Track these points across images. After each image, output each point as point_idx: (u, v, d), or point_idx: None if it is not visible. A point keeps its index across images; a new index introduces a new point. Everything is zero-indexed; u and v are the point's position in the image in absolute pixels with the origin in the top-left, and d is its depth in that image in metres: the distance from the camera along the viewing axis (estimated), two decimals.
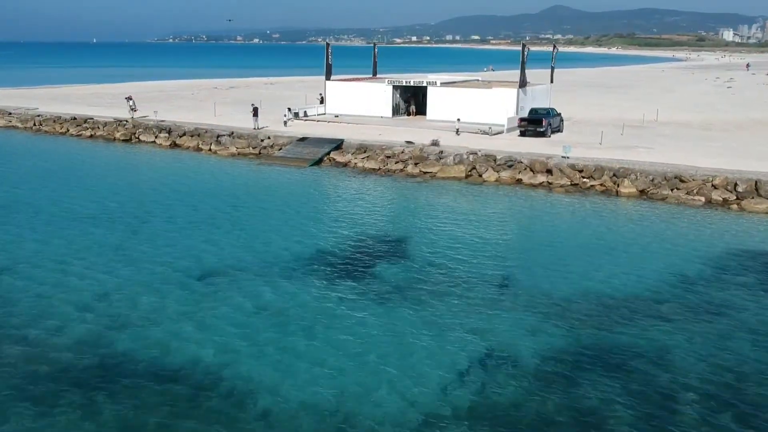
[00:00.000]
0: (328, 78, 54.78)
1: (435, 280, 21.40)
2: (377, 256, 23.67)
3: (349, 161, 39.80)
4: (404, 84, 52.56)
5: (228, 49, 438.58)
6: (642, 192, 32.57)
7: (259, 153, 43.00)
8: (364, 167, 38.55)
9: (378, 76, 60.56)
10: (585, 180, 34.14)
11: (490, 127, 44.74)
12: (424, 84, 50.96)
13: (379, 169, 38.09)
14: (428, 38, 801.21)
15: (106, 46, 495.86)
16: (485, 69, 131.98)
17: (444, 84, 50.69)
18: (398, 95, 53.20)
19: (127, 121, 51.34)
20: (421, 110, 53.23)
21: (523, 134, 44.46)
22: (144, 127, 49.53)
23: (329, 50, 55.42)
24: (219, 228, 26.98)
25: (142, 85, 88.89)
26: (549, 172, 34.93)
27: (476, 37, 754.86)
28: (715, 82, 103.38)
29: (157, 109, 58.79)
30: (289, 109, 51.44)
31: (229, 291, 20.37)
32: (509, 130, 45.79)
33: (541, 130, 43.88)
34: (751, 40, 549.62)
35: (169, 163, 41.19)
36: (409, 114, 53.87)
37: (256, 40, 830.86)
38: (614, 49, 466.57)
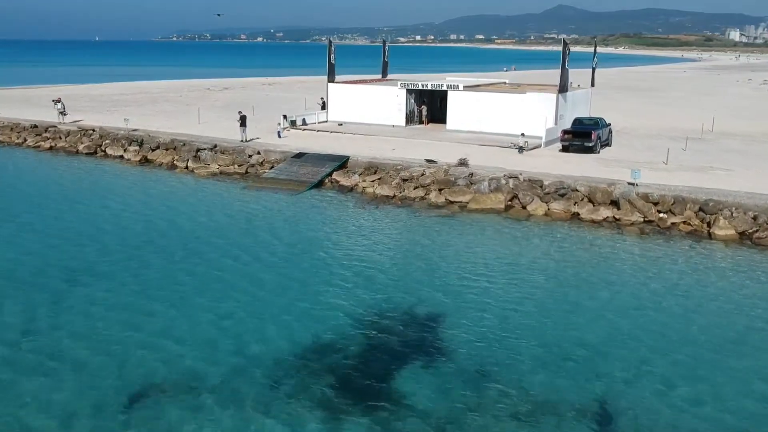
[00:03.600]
0: (330, 80, 47.02)
1: (491, 409, 13.60)
2: (399, 356, 15.86)
3: (356, 185, 32.03)
4: (420, 87, 44.69)
5: (230, 48, 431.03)
6: (742, 234, 24.73)
7: (246, 172, 35.22)
8: (375, 193, 30.74)
9: (388, 77, 52.77)
10: (662, 216, 26.32)
11: (525, 141, 36.94)
12: (444, 87, 43.12)
13: (394, 196, 30.28)
14: (432, 37, 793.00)
15: (108, 45, 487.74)
16: (505, 69, 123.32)
17: (467, 87, 42.86)
18: (412, 100, 45.41)
19: (93, 130, 43.62)
20: (437, 117, 45.51)
21: (565, 149, 36.65)
22: (112, 138, 41.77)
23: (332, 48, 47.59)
24: (165, 304, 19.15)
25: (128, 86, 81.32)
26: (614, 204, 27.13)
27: (480, 37, 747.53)
28: (750, 85, 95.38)
29: (138, 114, 51.37)
30: (285, 117, 43.69)
31: None
32: (547, 143, 38.03)
33: (590, 144, 36.04)
34: (758, 41, 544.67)
35: (130, 189, 33.09)
36: (422, 122, 46.09)
37: (260, 39, 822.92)
38: (621, 48, 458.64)
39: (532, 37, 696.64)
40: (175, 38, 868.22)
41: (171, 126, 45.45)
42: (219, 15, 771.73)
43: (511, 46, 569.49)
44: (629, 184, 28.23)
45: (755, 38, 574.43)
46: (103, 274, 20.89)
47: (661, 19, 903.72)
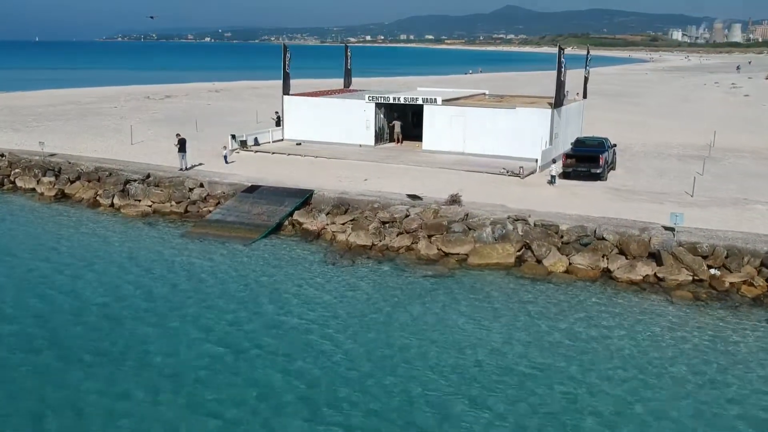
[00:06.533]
0: (286, 92, 40.59)
1: None
2: None
3: (324, 229, 25.84)
4: (391, 101, 38.57)
5: (177, 48, 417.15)
6: None
7: (186, 211, 28.67)
8: (349, 242, 24.55)
9: (352, 88, 46.66)
10: (715, 273, 20.91)
11: (521, 167, 31.37)
12: (420, 101, 37.16)
13: (372, 245, 24.14)
14: (382, 38, 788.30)
15: (48, 45, 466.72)
16: (470, 71, 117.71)
17: (446, 101, 37.01)
18: (382, 115, 39.34)
19: (2, 155, 36.37)
20: (410, 134, 39.64)
21: (566, 176, 31.17)
22: (24, 165, 34.61)
23: (287, 54, 41.01)
24: None
25: (57, 95, 73.04)
26: (653, 257, 21.62)
27: (430, 37, 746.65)
28: (721, 89, 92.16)
29: (62, 131, 44.31)
30: (233, 137, 37.21)
31: None
32: (543, 167, 32.52)
33: (598, 171, 30.64)
34: (700, 40, 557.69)
35: (39, 238, 26.34)
36: (394, 140, 40.07)
37: (207, 39, 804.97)
38: (570, 49, 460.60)
39: (481, 38, 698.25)
40: (120, 39, 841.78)
41: (99, 148, 38.46)
42: (152, 17, 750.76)
43: (460, 47, 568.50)
44: (666, 229, 22.78)
45: (697, 38, 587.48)
46: None
47: (606, 19, 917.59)
